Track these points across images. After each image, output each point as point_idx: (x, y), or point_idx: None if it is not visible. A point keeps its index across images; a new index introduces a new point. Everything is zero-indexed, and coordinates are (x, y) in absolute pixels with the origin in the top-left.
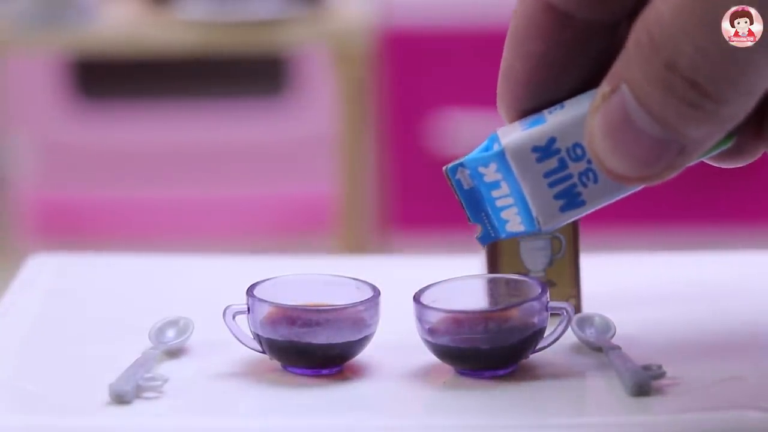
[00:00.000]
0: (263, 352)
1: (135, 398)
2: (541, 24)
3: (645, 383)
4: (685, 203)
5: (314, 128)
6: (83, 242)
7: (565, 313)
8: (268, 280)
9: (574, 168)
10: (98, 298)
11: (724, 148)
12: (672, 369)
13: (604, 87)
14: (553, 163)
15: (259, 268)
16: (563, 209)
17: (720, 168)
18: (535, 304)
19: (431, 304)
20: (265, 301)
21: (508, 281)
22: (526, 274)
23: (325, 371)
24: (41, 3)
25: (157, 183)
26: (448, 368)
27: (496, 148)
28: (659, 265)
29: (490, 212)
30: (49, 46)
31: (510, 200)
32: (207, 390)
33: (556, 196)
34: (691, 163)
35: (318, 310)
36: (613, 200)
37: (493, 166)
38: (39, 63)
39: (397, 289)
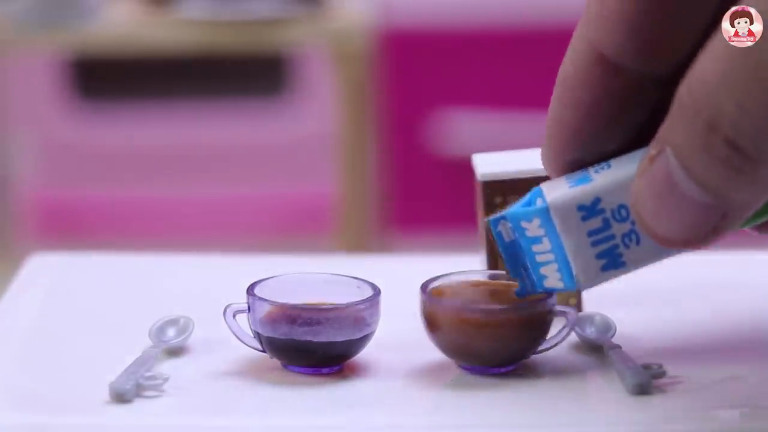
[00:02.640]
0: (263, 350)
1: (135, 397)
2: (593, 73)
3: (645, 382)
4: None
5: (314, 128)
6: (83, 242)
7: (568, 318)
8: (268, 278)
9: (618, 229)
10: (98, 297)
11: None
12: (672, 368)
13: (651, 150)
14: (597, 222)
15: (259, 268)
16: (604, 269)
17: None
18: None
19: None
20: (266, 300)
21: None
22: None
23: (325, 370)
24: (41, 3)
25: (157, 183)
26: (449, 367)
27: (540, 203)
28: (659, 265)
29: (529, 266)
30: (49, 45)
31: (551, 256)
32: (207, 389)
33: (598, 256)
34: (735, 229)
35: (318, 309)
36: (654, 263)
37: (536, 222)
38: (39, 63)
39: (397, 289)
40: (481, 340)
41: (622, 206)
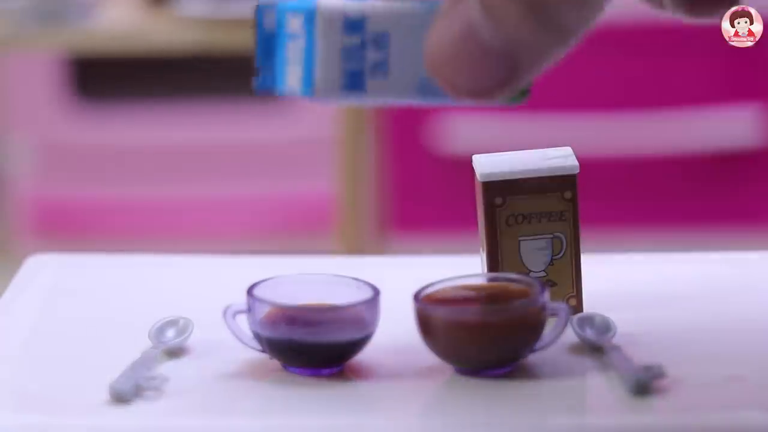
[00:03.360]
0: (263, 351)
1: (135, 397)
2: None
3: (645, 383)
4: (686, 203)
5: (314, 128)
6: (83, 242)
7: (562, 315)
8: (268, 279)
9: (372, 55)
10: (98, 298)
11: (519, 102)
12: (672, 369)
13: None
14: (355, 39)
15: (259, 268)
16: (345, 87)
17: (720, 168)
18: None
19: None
20: (265, 301)
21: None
22: (526, 274)
23: (325, 371)
24: (40, 2)
25: (156, 182)
26: (447, 368)
27: (312, 3)
28: (659, 265)
29: (277, 61)
30: (47, 44)
31: (300, 56)
32: (207, 389)
33: (343, 73)
34: (519, 88)
35: (318, 310)
36: (392, 102)
37: (300, 18)
38: (38, 62)
39: (397, 290)
40: (474, 343)
41: (384, 34)
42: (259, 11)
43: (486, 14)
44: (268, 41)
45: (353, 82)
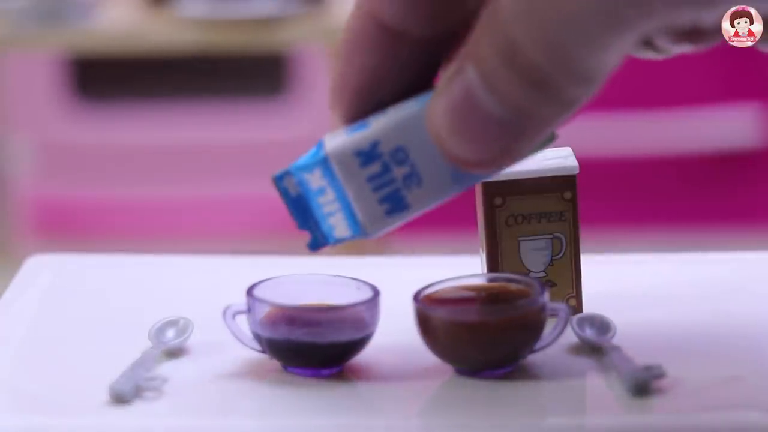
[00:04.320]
0: (263, 352)
1: (135, 398)
2: (375, 39)
3: (645, 383)
4: (686, 204)
5: (314, 127)
6: (83, 242)
7: (562, 315)
8: (267, 280)
9: (398, 172)
10: (98, 298)
11: (547, 146)
12: (672, 369)
13: (451, 69)
14: (376, 167)
15: (259, 268)
16: (389, 213)
17: (720, 168)
18: None
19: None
20: (265, 301)
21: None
22: (526, 274)
23: (325, 371)
24: (40, 2)
25: (156, 183)
26: (447, 368)
27: (321, 154)
28: (659, 265)
29: (318, 219)
30: (48, 45)
31: (336, 206)
32: (207, 390)
33: (381, 201)
34: (528, 154)
35: (318, 310)
36: (438, 203)
37: (317, 172)
38: (38, 62)
39: (397, 290)
40: (474, 343)
41: (399, 148)
42: (279, 181)
43: (486, 88)
44: (299, 204)
45: (394, 204)
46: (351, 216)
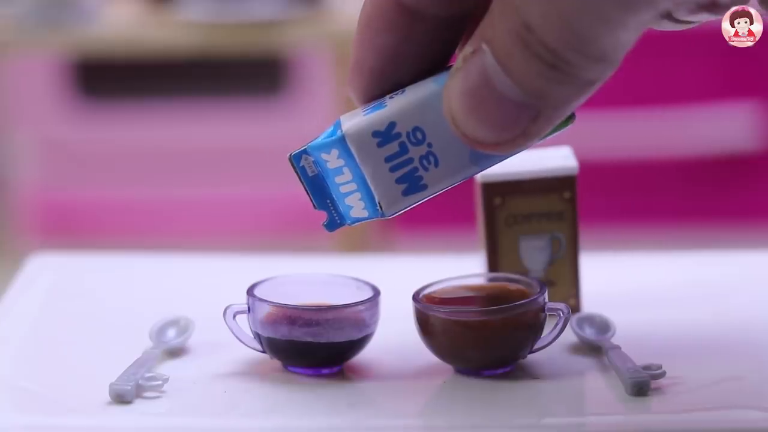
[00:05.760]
0: (263, 351)
1: (135, 398)
2: (392, 19)
3: (644, 383)
4: (685, 203)
5: (314, 128)
6: (83, 242)
7: (561, 314)
8: (268, 279)
9: (415, 152)
10: (98, 298)
11: (564, 129)
12: (672, 369)
13: (467, 49)
14: (393, 147)
15: (259, 268)
16: (405, 193)
17: (719, 168)
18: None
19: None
20: (266, 301)
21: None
22: (525, 274)
23: (325, 371)
24: (42, 3)
25: (157, 183)
26: (447, 368)
27: (338, 134)
28: (659, 265)
29: (334, 199)
30: (49, 46)
31: (353, 186)
32: (207, 390)
33: (398, 180)
34: (543, 137)
35: (318, 310)
36: (455, 183)
37: (335, 152)
38: (40, 63)
39: (397, 289)
40: (474, 343)
41: (417, 128)
42: (295, 160)
43: (503, 70)
44: (316, 184)
45: (411, 184)
46: (368, 196)
